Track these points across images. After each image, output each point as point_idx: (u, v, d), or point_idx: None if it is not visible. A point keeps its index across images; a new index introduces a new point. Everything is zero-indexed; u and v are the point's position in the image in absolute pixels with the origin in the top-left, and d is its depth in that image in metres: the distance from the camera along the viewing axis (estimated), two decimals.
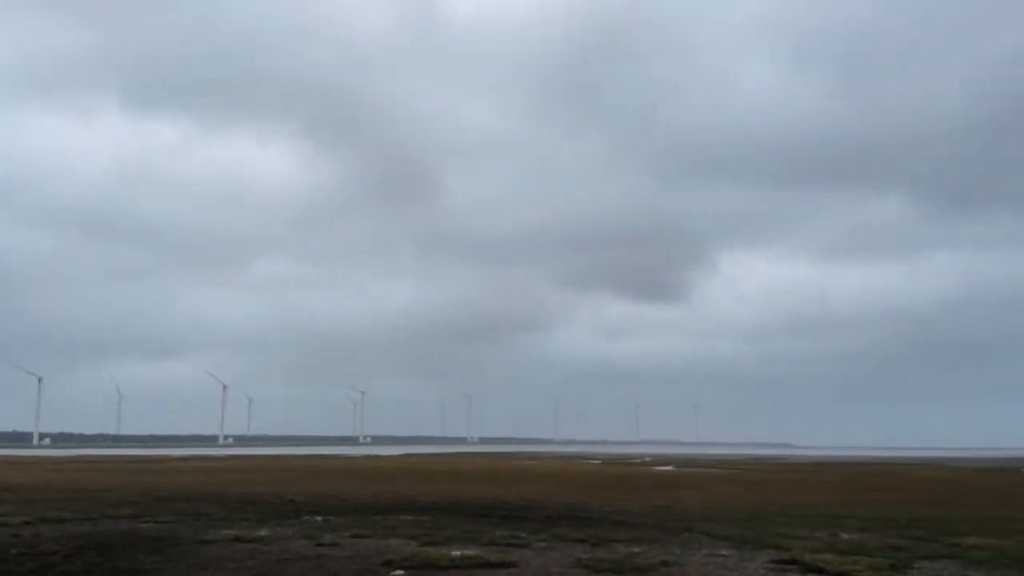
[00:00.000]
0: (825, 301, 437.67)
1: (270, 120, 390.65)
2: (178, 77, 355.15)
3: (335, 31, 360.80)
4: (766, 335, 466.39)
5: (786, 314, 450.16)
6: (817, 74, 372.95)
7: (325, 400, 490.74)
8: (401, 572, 17.32)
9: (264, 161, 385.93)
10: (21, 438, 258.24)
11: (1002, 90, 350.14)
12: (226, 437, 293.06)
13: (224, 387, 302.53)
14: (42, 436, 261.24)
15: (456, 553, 19.54)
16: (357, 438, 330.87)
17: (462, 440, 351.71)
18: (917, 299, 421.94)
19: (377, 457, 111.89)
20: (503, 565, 18.41)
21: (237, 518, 27.69)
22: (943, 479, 60.45)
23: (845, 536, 24.18)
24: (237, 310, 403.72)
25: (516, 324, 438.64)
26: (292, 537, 22.81)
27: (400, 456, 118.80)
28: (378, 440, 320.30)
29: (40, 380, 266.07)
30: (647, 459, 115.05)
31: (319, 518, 27.89)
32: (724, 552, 20.89)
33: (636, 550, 20.81)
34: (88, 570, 17.70)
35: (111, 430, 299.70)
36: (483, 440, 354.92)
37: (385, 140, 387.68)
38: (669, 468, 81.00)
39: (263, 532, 23.83)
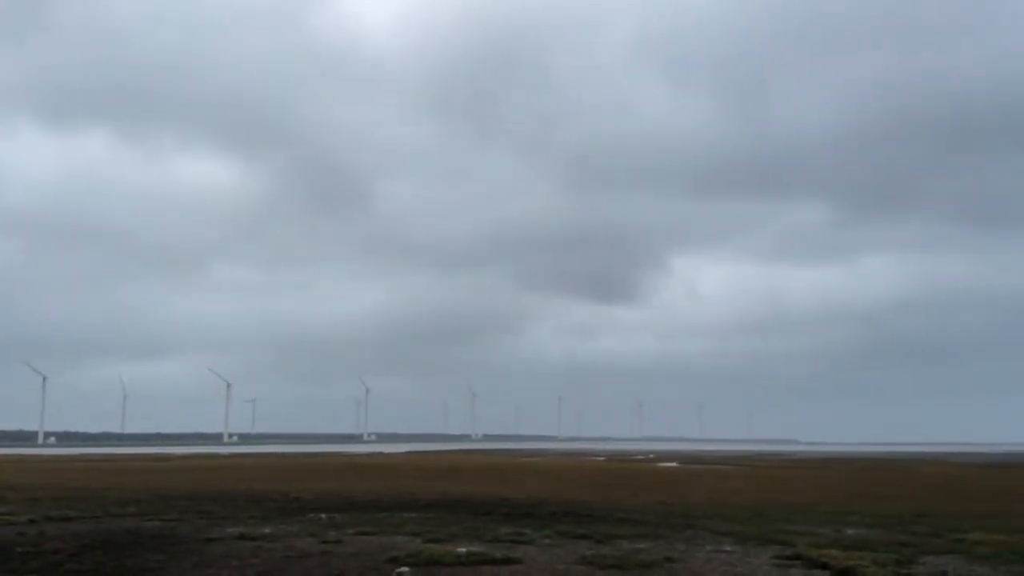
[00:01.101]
0: (786, 301, 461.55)
1: (196, 132, 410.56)
2: (100, 93, 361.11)
3: (253, 49, 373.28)
4: (742, 333, 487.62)
5: (752, 313, 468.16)
6: (701, 90, 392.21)
7: (323, 399, 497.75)
8: (406, 569, 17.33)
9: (195, 171, 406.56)
10: (26, 437, 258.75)
11: (877, 105, 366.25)
12: (231, 435, 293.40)
13: (228, 385, 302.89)
14: (47, 435, 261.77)
15: (461, 550, 19.56)
16: (361, 436, 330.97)
17: (466, 437, 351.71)
18: (868, 299, 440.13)
19: (381, 455, 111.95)
20: (507, 562, 18.43)
21: (242, 516, 27.74)
22: (947, 475, 60.41)
23: (850, 532, 24.18)
24: (210, 313, 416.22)
25: (493, 324, 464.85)
26: (297, 535, 22.84)
27: (404, 453, 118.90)
28: (382, 438, 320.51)
29: (45, 379, 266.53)
30: (650, 456, 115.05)
31: (324, 515, 27.93)
32: (728, 548, 20.89)
33: (640, 546, 20.82)
34: (93, 568, 17.74)
35: (113, 429, 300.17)
36: (487, 437, 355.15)
37: (311, 151, 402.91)
38: (672, 465, 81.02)
39: (268, 530, 23.86)
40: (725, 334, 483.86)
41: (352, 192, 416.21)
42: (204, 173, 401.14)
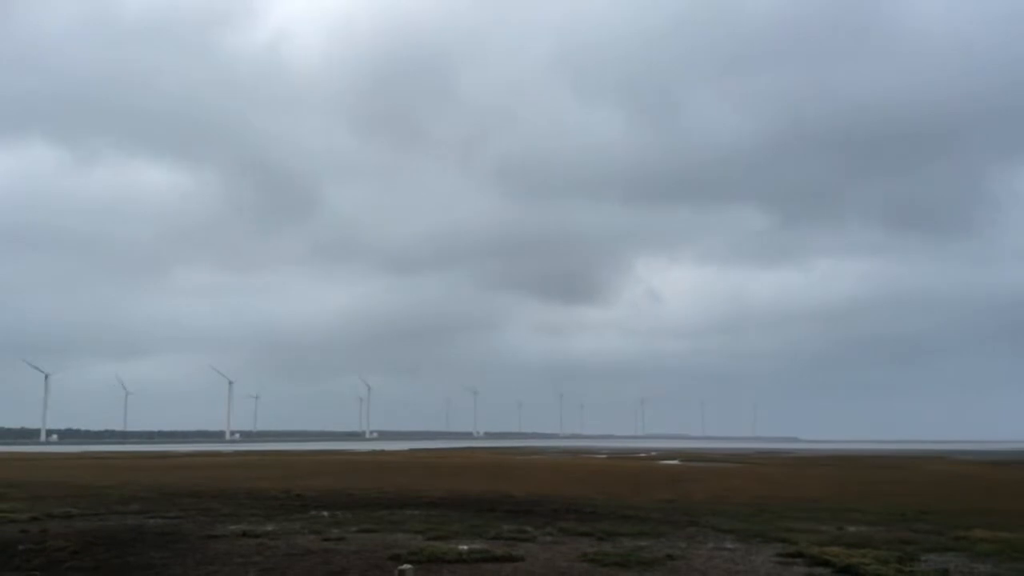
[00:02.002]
0: (751, 301, 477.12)
1: (137, 143, 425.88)
2: (38, 104, 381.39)
3: (181, 65, 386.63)
4: (721, 333, 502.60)
5: (726, 314, 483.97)
6: (616, 104, 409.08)
7: (325, 397, 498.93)
8: (408, 566, 17.32)
9: (141, 180, 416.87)
10: (28, 435, 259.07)
11: (783, 118, 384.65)
12: (233, 433, 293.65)
13: (230, 383, 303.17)
14: (49, 433, 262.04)
15: (463, 547, 19.57)
16: (363, 433, 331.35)
17: (468, 435, 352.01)
18: (830, 300, 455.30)
19: (383, 452, 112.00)
20: (509, 559, 18.44)
21: (244, 513, 27.77)
22: (948, 472, 60.38)
23: (851, 529, 24.17)
24: (187, 314, 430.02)
25: (469, 323, 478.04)
26: (299, 532, 22.87)
27: (406, 451, 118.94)
28: (384, 435, 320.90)
29: (47, 377, 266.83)
30: (652, 453, 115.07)
31: (326, 513, 27.96)
32: (730, 546, 20.90)
33: (642, 544, 20.83)
34: (96, 566, 17.77)
35: (116, 426, 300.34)
36: (488, 435, 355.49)
37: (251, 161, 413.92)
38: (675, 462, 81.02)
39: (270, 527, 23.89)
40: (704, 333, 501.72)
41: (298, 199, 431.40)
42: (150, 181, 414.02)
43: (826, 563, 17.95)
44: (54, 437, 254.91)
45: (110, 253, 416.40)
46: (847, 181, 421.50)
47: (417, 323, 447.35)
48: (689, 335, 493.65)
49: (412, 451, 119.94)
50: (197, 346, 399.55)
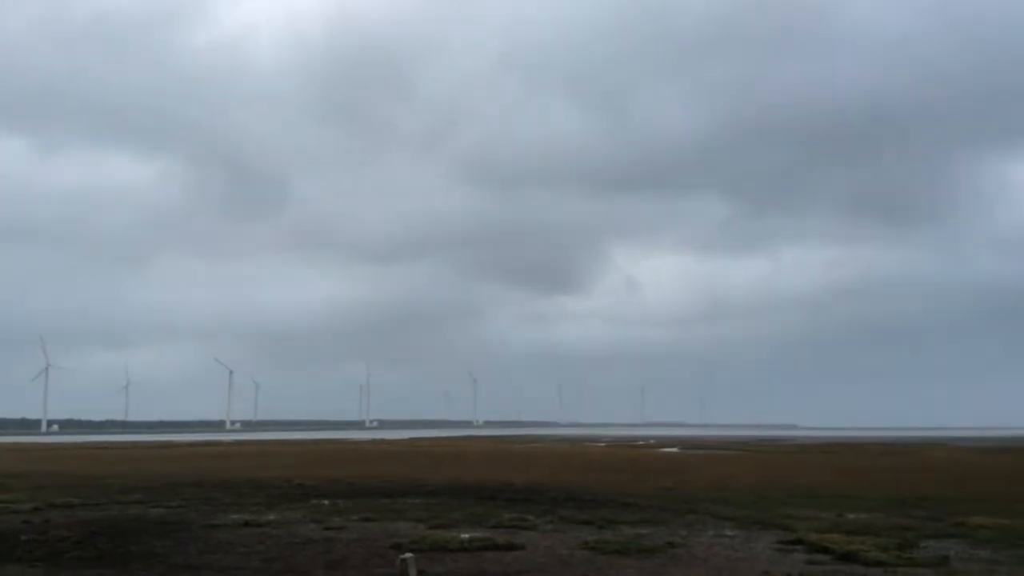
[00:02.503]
0: (736, 288, 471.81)
1: (103, 137, 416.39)
2: (22, 97, 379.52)
3: (145, 61, 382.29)
4: (710, 320, 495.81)
5: (713, 301, 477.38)
6: (569, 97, 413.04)
7: (324, 385, 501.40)
8: (409, 555, 17.37)
9: (111, 174, 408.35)
10: (29, 425, 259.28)
11: (733, 109, 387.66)
12: (233, 422, 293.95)
13: (231, 373, 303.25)
14: (50, 423, 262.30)
15: (464, 536, 19.64)
16: (363, 422, 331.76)
17: (468, 424, 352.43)
18: (810, 286, 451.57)
19: (383, 441, 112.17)
20: (510, 547, 18.51)
21: (246, 503, 27.86)
22: (948, 459, 60.50)
23: (851, 516, 24.23)
24: (173, 302, 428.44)
25: (461, 311, 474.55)
26: (300, 521, 22.95)
27: (406, 440, 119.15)
28: (384, 424, 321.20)
29: (48, 367, 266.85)
30: (652, 441, 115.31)
31: (327, 502, 28.05)
32: (730, 533, 20.98)
33: (642, 532, 20.91)
34: (98, 555, 17.83)
35: (117, 416, 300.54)
36: (488, 423, 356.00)
37: (219, 153, 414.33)
38: (674, 450, 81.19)
39: (272, 516, 23.97)
40: (688, 320, 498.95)
41: (269, 190, 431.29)
42: (119, 173, 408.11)
43: (826, 550, 18.01)
44: (55, 427, 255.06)
45: (84, 247, 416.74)
46: (805, 171, 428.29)
47: (404, 311, 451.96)
48: (674, 322, 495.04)
49: (412, 440, 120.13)
50: (187, 336, 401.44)
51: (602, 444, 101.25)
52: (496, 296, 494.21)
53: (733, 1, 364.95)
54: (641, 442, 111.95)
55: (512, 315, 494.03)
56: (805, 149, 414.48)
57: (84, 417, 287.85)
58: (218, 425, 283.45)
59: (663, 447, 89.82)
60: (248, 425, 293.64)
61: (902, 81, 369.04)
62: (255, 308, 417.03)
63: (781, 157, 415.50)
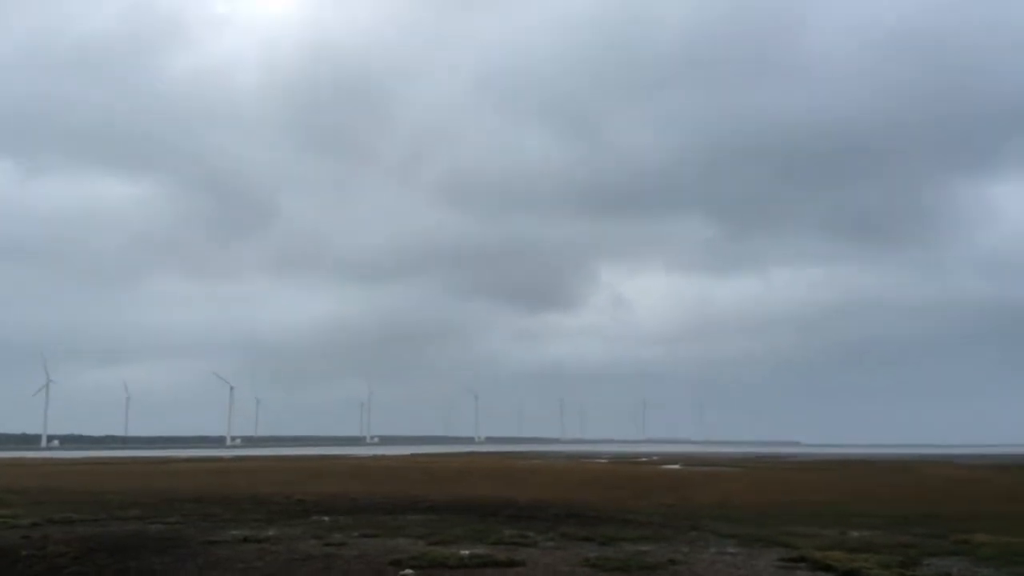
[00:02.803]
0: (729, 307, 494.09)
1: (87, 159, 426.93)
2: (9, 120, 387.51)
3: (123, 86, 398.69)
4: (700, 338, 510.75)
5: (707, 318, 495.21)
6: (542, 123, 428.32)
7: (325, 402, 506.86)
8: (410, 572, 17.34)
9: (98, 194, 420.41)
10: (29, 440, 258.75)
11: (701, 135, 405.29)
12: (234, 438, 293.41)
13: (231, 389, 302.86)
14: (50, 438, 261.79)
15: (464, 552, 19.57)
16: (364, 438, 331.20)
17: (469, 440, 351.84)
18: (800, 306, 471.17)
19: (384, 457, 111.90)
20: (511, 564, 18.43)
21: (245, 519, 27.76)
22: (950, 476, 60.29)
23: (854, 533, 24.14)
24: (167, 321, 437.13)
25: (456, 330, 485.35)
26: (301, 537, 22.86)
27: (407, 456, 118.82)
28: (385, 440, 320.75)
29: (48, 383, 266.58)
30: (654, 458, 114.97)
31: (327, 518, 27.95)
32: (732, 550, 20.88)
33: (644, 549, 20.81)
34: (97, 571, 17.76)
35: (117, 432, 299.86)
36: (490, 439, 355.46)
37: (203, 175, 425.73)
38: (676, 467, 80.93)
39: (271, 532, 23.88)
40: (681, 339, 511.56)
41: (255, 211, 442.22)
42: (107, 197, 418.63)
43: (828, 567, 17.93)
44: (55, 443, 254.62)
45: (73, 266, 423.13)
46: (782, 193, 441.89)
47: (395, 330, 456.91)
48: (667, 341, 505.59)
49: (413, 456, 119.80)
50: (181, 353, 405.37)
51: (603, 460, 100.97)
52: (486, 315, 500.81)
53: (701, 30, 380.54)
54: (643, 459, 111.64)
55: (504, 333, 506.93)
56: (780, 172, 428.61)
57: (84, 432, 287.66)
58: (218, 441, 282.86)
59: (665, 464, 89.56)
60: (249, 441, 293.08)
61: (871, 106, 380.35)
62: (247, 326, 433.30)
63: (757, 180, 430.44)
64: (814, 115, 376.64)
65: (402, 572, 17.27)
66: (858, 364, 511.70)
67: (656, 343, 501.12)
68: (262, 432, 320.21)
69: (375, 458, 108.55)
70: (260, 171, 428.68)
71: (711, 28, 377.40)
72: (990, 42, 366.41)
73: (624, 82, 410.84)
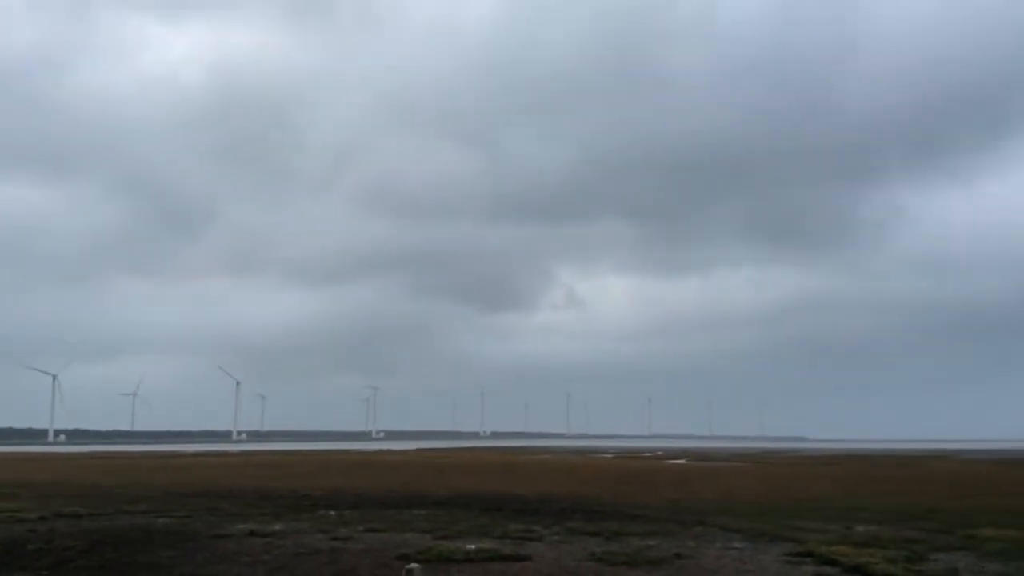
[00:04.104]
0: (681, 307, 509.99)
1: (18, 165, 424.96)
2: None
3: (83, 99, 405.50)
4: (665, 335, 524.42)
5: (666, 317, 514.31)
6: (445, 137, 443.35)
7: (331, 396, 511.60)
8: (416, 565, 17.34)
9: (46, 203, 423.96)
10: (36, 435, 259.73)
11: (599, 147, 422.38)
12: (240, 433, 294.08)
13: (238, 383, 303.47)
14: (57, 433, 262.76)
15: (470, 546, 19.59)
16: (370, 433, 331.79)
17: (475, 435, 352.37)
18: (757, 305, 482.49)
19: (390, 452, 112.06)
20: (517, 558, 18.44)
21: (252, 513, 27.83)
22: (955, 471, 60.16)
23: (860, 528, 24.09)
24: (142, 319, 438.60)
25: (427, 327, 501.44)
26: (307, 531, 22.91)
27: (413, 451, 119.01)
28: (391, 435, 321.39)
29: (55, 377, 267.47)
30: (659, 453, 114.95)
31: (333, 512, 28.00)
32: (738, 545, 20.86)
33: (650, 543, 20.81)
34: (104, 564, 17.83)
35: (123, 426, 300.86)
36: (495, 434, 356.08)
37: (142, 182, 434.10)
38: (682, 462, 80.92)
39: (278, 526, 23.93)
40: (647, 336, 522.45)
41: (200, 214, 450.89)
42: (44, 201, 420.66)
43: (835, 562, 17.91)
44: (62, 437, 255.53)
45: (28, 267, 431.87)
46: (691, 201, 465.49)
47: (360, 328, 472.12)
48: (632, 338, 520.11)
49: (419, 451, 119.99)
50: (166, 350, 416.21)
51: (609, 455, 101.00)
52: (450, 314, 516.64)
53: (580, 52, 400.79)
54: (648, 454, 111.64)
55: (468, 330, 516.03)
56: (680, 181, 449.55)
57: (91, 427, 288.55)
58: (224, 436, 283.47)
59: (670, 459, 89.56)
60: (255, 436, 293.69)
61: (736, 121, 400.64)
62: (221, 324, 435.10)
63: (653, 189, 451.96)
64: (687, 128, 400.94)
65: (408, 566, 17.27)
66: (815, 361, 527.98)
67: (620, 342, 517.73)
68: (269, 426, 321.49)
69: (380, 453, 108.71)
70: (190, 180, 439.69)
71: (589, 50, 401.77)
72: (835, 67, 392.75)
73: (516, 99, 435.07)
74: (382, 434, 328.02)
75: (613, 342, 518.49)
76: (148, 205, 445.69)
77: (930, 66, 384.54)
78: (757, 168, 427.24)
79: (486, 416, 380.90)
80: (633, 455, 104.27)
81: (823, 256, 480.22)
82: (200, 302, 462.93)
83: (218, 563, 18.02)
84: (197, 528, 23.70)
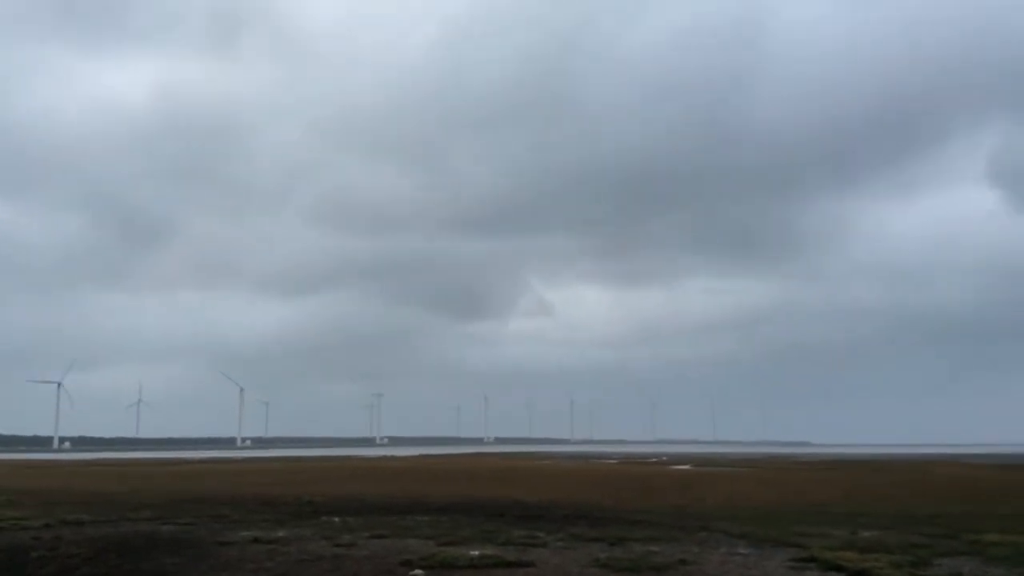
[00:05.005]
0: (650, 316, 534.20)
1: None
2: None
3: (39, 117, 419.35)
4: (647, 343, 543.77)
5: (644, 326, 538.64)
6: (393, 158, 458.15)
7: (335, 403, 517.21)
8: (419, 572, 17.37)
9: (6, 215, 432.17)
10: (41, 442, 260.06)
11: (541, 166, 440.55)
12: (244, 440, 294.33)
13: (241, 390, 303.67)
14: (62, 440, 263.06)
15: (474, 553, 19.58)
16: (374, 439, 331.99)
17: (479, 440, 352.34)
18: (733, 314, 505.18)
19: (393, 458, 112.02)
20: (521, 565, 18.43)
21: (256, 519, 27.83)
22: (958, 475, 60.02)
23: (864, 533, 24.05)
24: (126, 328, 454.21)
25: (404, 334, 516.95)
26: (310, 538, 22.90)
27: (417, 457, 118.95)
28: (395, 441, 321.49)
29: (59, 384, 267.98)
30: (664, 458, 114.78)
31: (337, 519, 28.00)
32: (743, 551, 20.83)
33: (654, 549, 20.78)
34: (108, 572, 17.85)
35: (128, 433, 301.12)
36: (499, 440, 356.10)
37: (101, 199, 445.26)
38: (686, 467, 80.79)
39: (282, 533, 23.94)
40: (632, 344, 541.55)
41: (162, 228, 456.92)
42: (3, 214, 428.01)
43: (839, 568, 17.88)
44: (67, 444, 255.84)
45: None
46: (631, 215, 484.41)
47: (366, 334, 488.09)
48: (615, 345, 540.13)
49: (422, 457, 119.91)
50: (129, 360, 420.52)
51: (613, 461, 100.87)
52: (428, 320, 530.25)
53: (519, 75, 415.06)
54: (653, 459, 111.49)
55: (451, 337, 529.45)
56: (616, 197, 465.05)
57: (96, 434, 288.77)
58: (229, 442, 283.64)
59: (674, 464, 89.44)
60: (259, 442, 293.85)
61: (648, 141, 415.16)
62: (209, 333, 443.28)
63: (597, 204, 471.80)
64: (610, 148, 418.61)
65: (412, 572, 17.30)
66: (830, 364, 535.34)
67: (604, 348, 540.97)
68: (272, 433, 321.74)
69: (384, 459, 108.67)
70: (146, 196, 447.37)
71: (517, 75, 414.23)
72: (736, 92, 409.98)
73: (451, 122, 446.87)
74: (386, 440, 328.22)
75: (612, 348, 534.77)
76: (109, 220, 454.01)
77: (841, 88, 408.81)
78: (685, 185, 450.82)
79: (490, 422, 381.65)
80: (637, 460, 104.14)
81: (775, 266, 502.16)
82: (178, 311, 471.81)
83: (222, 570, 18.03)
84: (201, 535, 23.71)
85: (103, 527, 25.77)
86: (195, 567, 18.37)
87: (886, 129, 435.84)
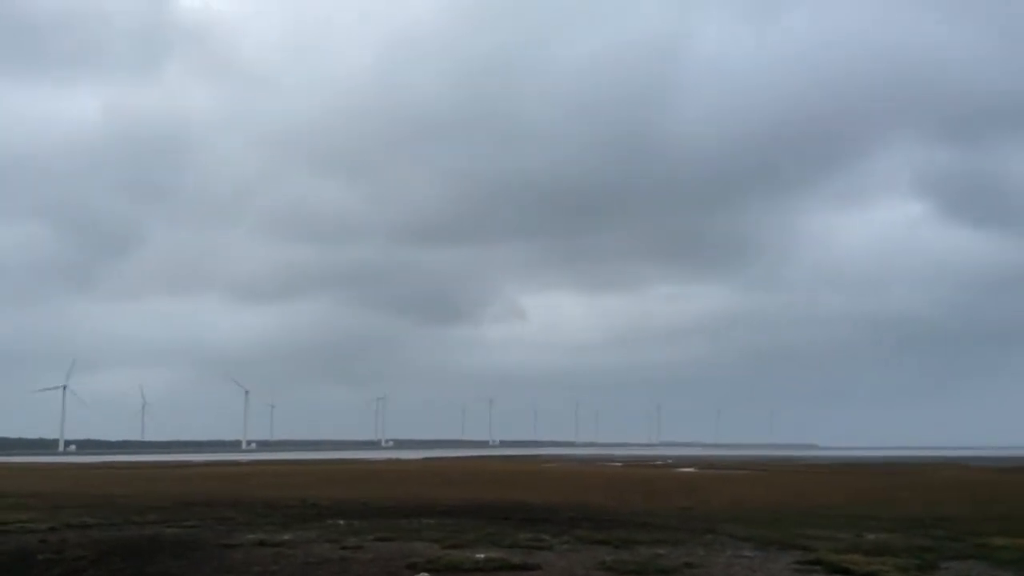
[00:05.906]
0: (621, 320, 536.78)
1: None
2: None
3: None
4: (625, 346, 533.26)
5: (617, 330, 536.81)
6: (338, 173, 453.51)
7: (341, 405, 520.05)
8: (425, 575, 17.37)
9: None
10: (47, 445, 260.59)
11: (474, 180, 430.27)
12: (249, 443, 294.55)
13: (247, 393, 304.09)
14: (67, 443, 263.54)
15: (479, 556, 19.55)
16: (379, 442, 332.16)
17: (483, 443, 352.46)
18: (703, 318, 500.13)
19: (398, 461, 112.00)
20: (526, 567, 18.41)
21: (261, 522, 27.84)
22: (965, 479, 59.89)
23: (870, 536, 24.00)
24: (112, 333, 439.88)
25: (395, 336, 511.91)
26: (316, 541, 22.89)
27: (422, 459, 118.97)
28: (400, 444, 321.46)
29: (65, 388, 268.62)
30: (669, 461, 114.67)
31: (342, 522, 27.99)
32: (748, 553, 20.79)
33: (660, 552, 20.74)
34: (113, 575, 17.86)
35: (133, 436, 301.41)
36: (504, 443, 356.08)
37: (60, 209, 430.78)
38: (691, 470, 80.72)
39: (287, 536, 23.93)
40: (606, 347, 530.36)
41: (127, 238, 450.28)
42: None
43: (846, 571, 17.82)
44: (72, 448, 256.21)
45: None
46: (573, 226, 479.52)
47: (359, 338, 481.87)
48: (589, 349, 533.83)
49: (427, 460, 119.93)
50: (122, 365, 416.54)
51: (618, 464, 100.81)
52: (405, 326, 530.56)
53: (453, 92, 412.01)
54: (658, 462, 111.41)
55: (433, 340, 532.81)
56: (557, 209, 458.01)
57: (101, 437, 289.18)
58: (234, 445, 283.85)
59: (679, 467, 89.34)
60: (264, 445, 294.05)
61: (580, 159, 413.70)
62: (193, 338, 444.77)
63: (539, 215, 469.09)
64: (544, 161, 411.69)
65: (417, 575, 17.30)
66: (818, 369, 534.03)
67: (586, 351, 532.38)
68: (278, 436, 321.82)
69: (389, 462, 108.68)
70: (106, 207, 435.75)
71: (451, 93, 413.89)
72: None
73: (390, 138, 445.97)
74: (391, 443, 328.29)
75: (611, 351, 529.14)
76: (68, 229, 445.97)
77: (760, 104, 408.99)
78: (618, 198, 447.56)
79: (495, 425, 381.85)
80: (642, 463, 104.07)
81: (732, 274, 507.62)
82: (155, 317, 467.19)
83: (227, 573, 18.04)
84: (206, 538, 23.72)
85: (108, 530, 25.79)
86: (200, 570, 18.38)
87: (810, 142, 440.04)
